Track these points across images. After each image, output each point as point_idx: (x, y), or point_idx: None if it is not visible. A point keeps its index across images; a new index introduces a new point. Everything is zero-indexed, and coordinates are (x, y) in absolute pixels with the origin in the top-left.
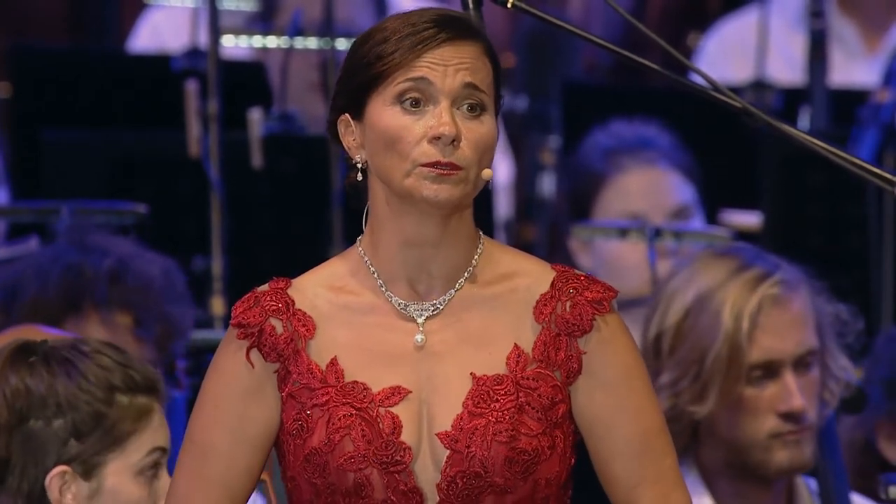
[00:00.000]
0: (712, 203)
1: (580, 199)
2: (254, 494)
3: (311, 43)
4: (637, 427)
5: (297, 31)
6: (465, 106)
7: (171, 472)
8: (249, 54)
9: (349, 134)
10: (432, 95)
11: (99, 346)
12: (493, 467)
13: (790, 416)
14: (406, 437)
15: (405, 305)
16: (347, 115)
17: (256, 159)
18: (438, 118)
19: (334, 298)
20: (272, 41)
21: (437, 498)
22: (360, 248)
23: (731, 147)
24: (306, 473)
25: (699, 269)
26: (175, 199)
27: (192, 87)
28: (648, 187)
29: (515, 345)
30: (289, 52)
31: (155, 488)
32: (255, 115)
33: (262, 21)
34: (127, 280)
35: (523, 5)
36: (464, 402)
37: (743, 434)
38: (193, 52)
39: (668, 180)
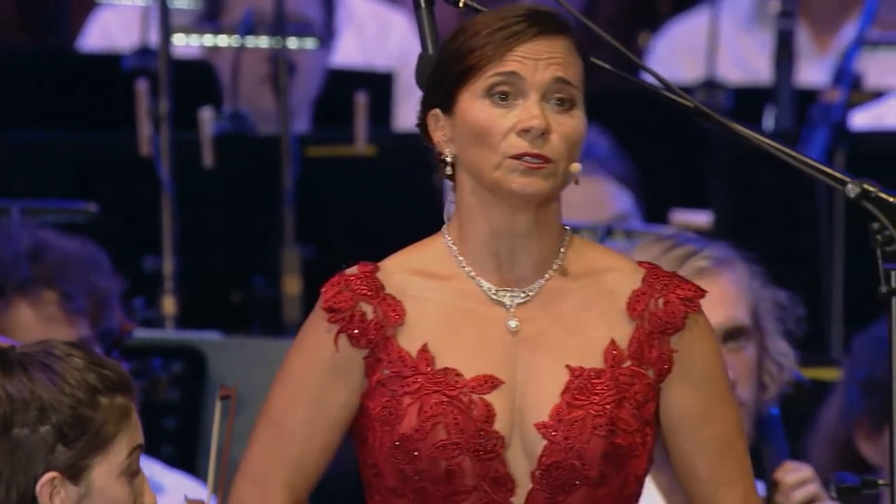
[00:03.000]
0: (662, 203)
1: None
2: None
3: (263, 42)
4: (722, 427)
5: (248, 29)
6: (555, 100)
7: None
8: (198, 53)
9: (439, 128)
10: (522, 89)
11: (68, 348)
12: (590, 460)
13: None
14: (499, 425)
15: (495, 291)
16: (438, 109)
17: (207, 159)
18: (528, 111)
19: (423, 283)
20: (223, 40)
21: (530, 486)
22: (446, 237)
23: (681, 146)
24: (394, 460)
25: (636, 252)
26: (126, 198)
27: (142, 86)
28: (587, 198)
29: (612, 340)
30: (240, 50)
31: (135, 485)
32: (206, 115)
33: (209, 20)
34: (47, 256)
35: (475, 5)
36: (562, 393)
37: None
38: (144, 52)
39: (605, 190)
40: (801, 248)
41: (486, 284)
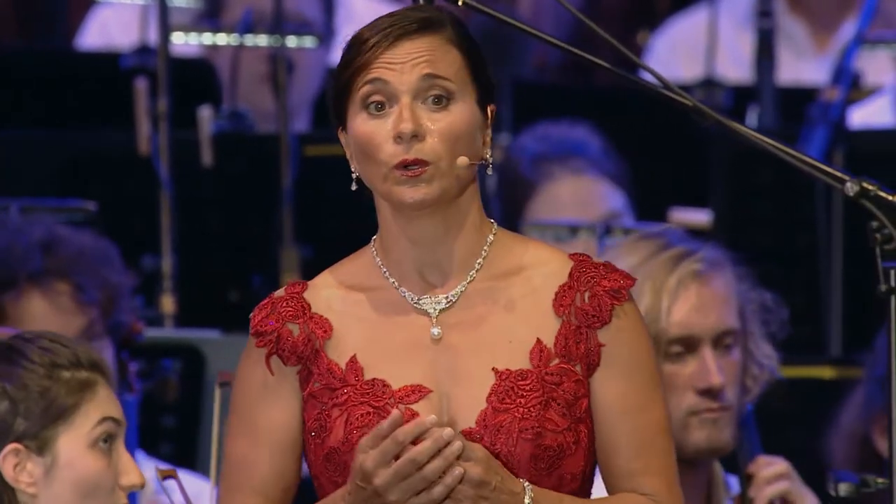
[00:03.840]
0: (662, 201)
1: (512, 205)
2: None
3: (262, 40)
4: (645, 420)
5: (247, 28)
6: (431, 98)
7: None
8: (197, 52)
9: (346, 146)
10: (393, 95)
11: (40, 332)
12: (519, 464)
13: (708, 393)
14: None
15: (418, 299)
16: (341, 127)
17: (206, 158)
18: (398, 116)
19: (348, 297)
20: (222, 38)
21: None
22: (372, 248)
23: (681, 145)
24: (327, 472)
25: (625, 250)
26: (125, 197)
27: (141, 85)
28: (579, 196)
29: (538, 339)
30: (239, 49)
31: (114, 462)
32: (205, 114)
33: (208, 18)
34: (60, 247)
35: (474, 3)
36: (487, 398)
37: None
38: (142, 50)
39: (597, 189)
40: (800, 247)
41: (408, 294)
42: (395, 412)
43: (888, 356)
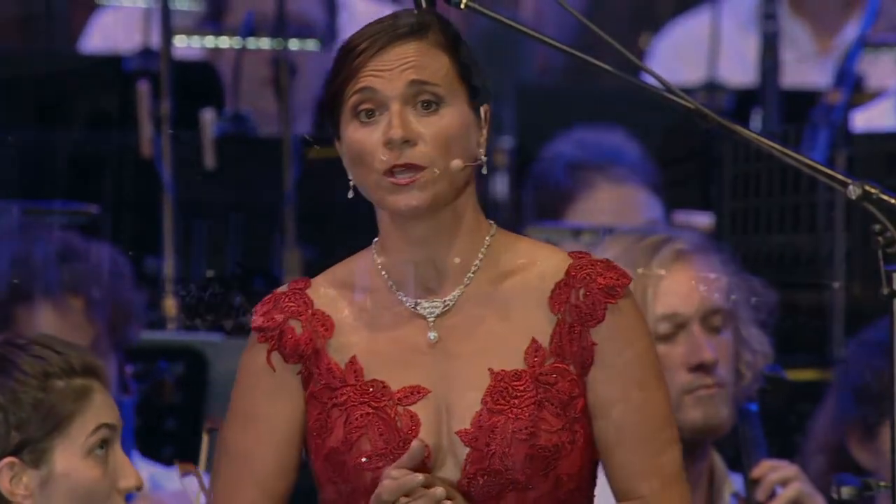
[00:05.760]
0: (665, 204)
1: (545, 211)
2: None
3: (264, 43)
4: (642, 416)
5: (249, 31)
6: (420, 104)
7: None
8: (200, 55)
9: (343, 155)
10: (382, 102)
11: (34, 337)
12: (514, 464)
13: (701, 368)
14: (425, 435)
15: (416, 304)
16: (337, 137)
17: (209, 160)
18: (388, 123)
19: (350, 297)
20: (224, 41)
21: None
22: (373, 250)
23: (684, 148)
24: (326, 472)
25: (606, 244)
26: (127, 199)
27: (144, 87)
28: (618, 205)
29: (533, 339)
30: (241, 52)
31: (110, 467)
32: (208, 116)
33: (211, 21)
34: (76, 262)
35: (476, 6)
36: (482, 399)
37: None
38: (145, 53)
39: (637, 198)
40: (802, 250)
41: (405, 297)
42: (415, 444)
43: (889, 358)
